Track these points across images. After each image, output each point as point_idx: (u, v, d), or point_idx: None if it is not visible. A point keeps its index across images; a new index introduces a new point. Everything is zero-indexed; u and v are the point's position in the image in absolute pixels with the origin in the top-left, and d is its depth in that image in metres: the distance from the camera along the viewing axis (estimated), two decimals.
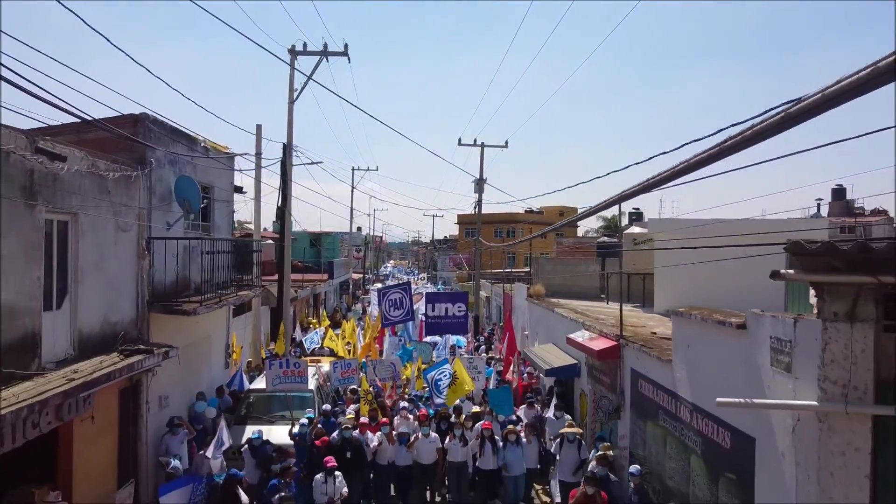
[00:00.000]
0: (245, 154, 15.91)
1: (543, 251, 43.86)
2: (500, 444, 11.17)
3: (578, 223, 58.88)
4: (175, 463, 9.59)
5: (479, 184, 29.72)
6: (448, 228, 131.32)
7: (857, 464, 5.19)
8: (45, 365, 7.66)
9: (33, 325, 7.43)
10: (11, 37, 6.60)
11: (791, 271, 4.84)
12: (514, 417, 12.35)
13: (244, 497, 8.81)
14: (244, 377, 15.90)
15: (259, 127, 18.70)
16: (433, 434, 11.47)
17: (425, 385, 15.16)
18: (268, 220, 38.96)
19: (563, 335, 13.47)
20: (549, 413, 12.81)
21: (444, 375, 14.68)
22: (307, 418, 11.92)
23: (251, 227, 28.16)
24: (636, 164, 7.09)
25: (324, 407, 13.01)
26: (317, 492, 9.74)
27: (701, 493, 7.48)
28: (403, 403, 13.70)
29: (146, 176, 10.23)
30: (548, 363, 14.03)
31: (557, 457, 11.09)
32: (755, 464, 6.25)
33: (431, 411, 13.21)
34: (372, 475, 11.44)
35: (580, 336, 12.01)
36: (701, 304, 8.97)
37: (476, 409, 12.87)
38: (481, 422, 11.69)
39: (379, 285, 39.31)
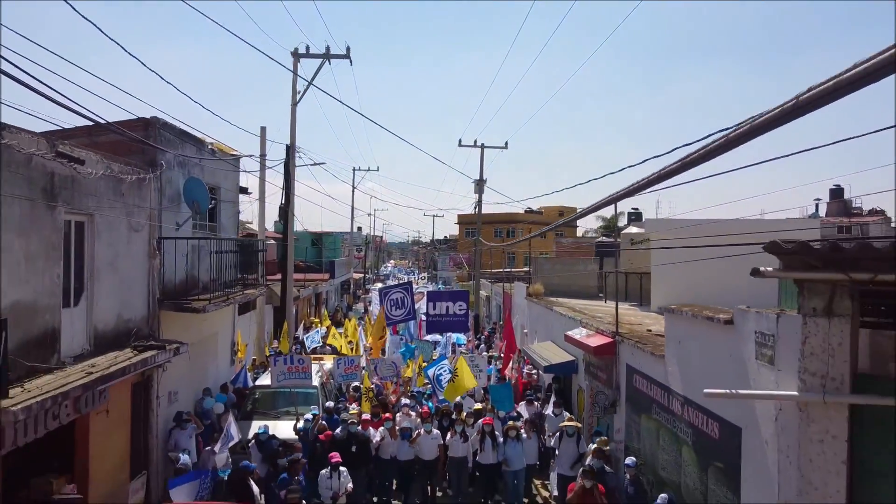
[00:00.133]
0: (250, 156, 16.22)
1: (543, 251, 44.19)
2: (501, 439, 11.43)
3: (578, 224, 59.31)
4: (184, 458, 9.89)
5: (479, 184, 30.06)
6: (448, 228, 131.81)
7: (834, 450, 5.53)
8: (64, 359, 8.00)
9: (53, 322, 7.77)
10: (24, 36, 6.91)
11: (770, 269, 5.18)
12: (514, 414, 12.67)
13: (255, 489, 9.12)
14: (248, 374, 16.24)
15: (263, 129, 19.04)
16: (435, 431, 11.72)
17: (427, 382, 15.49)
18: (269, 220, 39.40)
19: (562, 333, 13.81)
20: (549, 409, 13.14)
21: (444, 371, 15.01)
22: (311, 414, 12.24)
23: (252, 226, 28.54)
24: (630, 167, 7.40)
25: (327, 404, 13.32)
26: (322, 487, 9.93)
27: (691, 482, 7.83)
28: (405, 400, 14.05)
29: (157, 178, 10.57)
30: (546, 360, 14.38)
31: (557, 451, 11.39)
32: (741, 452, 6.59)
33: (433, 406, 13.54)
34: (374, 470, 11.74)
35: (577, 333, 12.35)
36: (696, 302, 9.29)
37: (478, 405, 13.22)
38: (483, 418, 12.00)
39: (379, 285, 39.69)
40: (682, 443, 8.06)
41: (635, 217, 45.08)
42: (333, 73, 70.68)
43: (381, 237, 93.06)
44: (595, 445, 10.21)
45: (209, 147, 13.55)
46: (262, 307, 19.66)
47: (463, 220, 68.19)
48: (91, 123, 8.07)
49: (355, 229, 54.50)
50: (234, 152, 15.29)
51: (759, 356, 6.21)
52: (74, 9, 7.11)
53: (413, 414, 12.78)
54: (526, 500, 11.72)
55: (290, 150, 20.39)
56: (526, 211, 59.88)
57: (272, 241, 25.47)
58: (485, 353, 20.61)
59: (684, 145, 5.43)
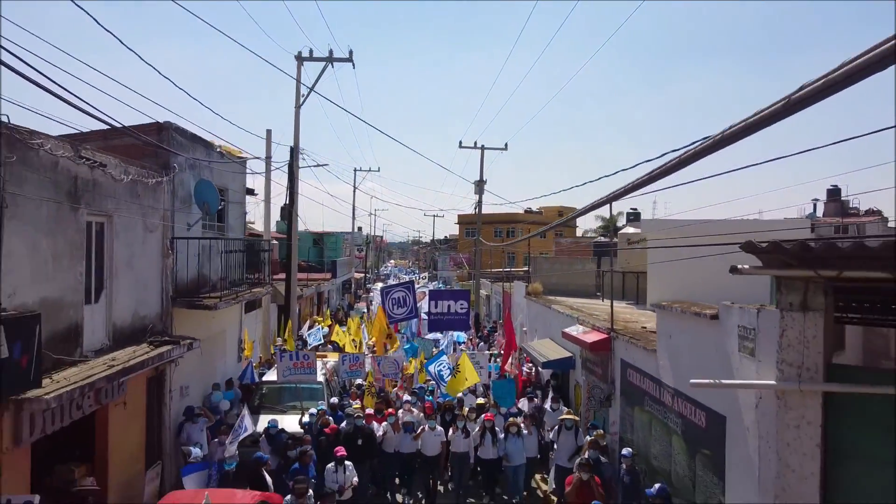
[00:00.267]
0: (257, 157, 16.64)
1: (543, 251, 44.61)
2: (501, 435, 11.77)
3: (577, 224, 59.73)
4: (196, 451, 10.30)
5: (479, 185, 30.49)
6: (448, 228, 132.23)
7: (809, 435, 5.95)
8: (86, 353, 8.43)
9: (76, 317, 8.20)
10: (39, 36, 7.28)
11: (747, 266, 5.61)
12: (515, 410, 13.08)
13: (268, 479, 9.55)
14: (254, 370, 16.66)
15: (269, 132, 19.53)
16: (439, 427, 12.06)
17: (428, 378, 15.91)
18: (272, 220, 39.74)
19: (560, 330, 14.24)
20: (547, 404, 13.56)
21: (444, 367, 15.43)
22: (317, 409, 12.65)
23: (254, 226, 28.98)
24: (623, 170, 7.86)
25: (332, 399, 13.74)
26: (328, 480, 10.23)
27: (681, 470, 8.26)
28: (407, 397, 14.47)
29: (170, 180, 11.00)
30: (545, 356, 14.82)
31: (555, 444, 11.79)
32: (726, 439, 7.02)
33: (434, 402, 13.95)
34: (378, 464, 12.11)
35: (574, 330, 12.78)
36: (692, 299, 9.66)
37: (480, 400, 13.65)
38: (485, 413, 12.39)
39: (380, 285, 40.08)
40: (673, 432, 8.49)
41: (634, 217, 45.46)
42: (336, 75, 71.13)
43: (382, 237, 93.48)
44: (591, 438, 10.62)
45: (218, 150, 13.99)
46: (267, 306, 20.09)
47: (463, 221, 68.63)
48: (106, 127, 8.53)
49: (356, 229, 54.92)
50: (242, 154, 15.72)
51: (742, 348, 6.64)
52: (87, 12, 7.46)
53: (415, 410, 13.19)
54: (525, 494, 12.11)
55: (294, 151, 20.81)
56: (526, 211, 60.36)
57: (275, 242, 25.91)
58: (486, 351, 21.05)
59: (672, 150, 5.89)
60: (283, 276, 21.41)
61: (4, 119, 6.46)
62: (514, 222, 64.15)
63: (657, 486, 8.32)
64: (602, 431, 11.01)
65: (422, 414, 12.96)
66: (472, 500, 12.04)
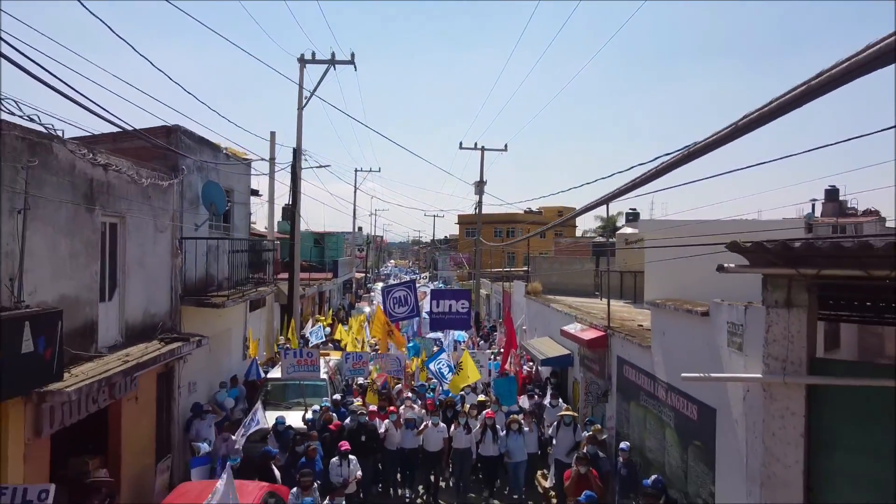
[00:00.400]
0: (262, 159, 16.96)
1: (543, 251, 44.95)
2: (502, 432, 12.00)
3: (577, 224, 60.06)
4: (204, 447, 10.61)
5: (480, 186, 30.81)
6: (448, 228, 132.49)
7: (793, 425, 6.26)
8: (101, 349, 8.75)
9: (92, 315, 8.52)
10: (49, 38, 7.60)
11: (732, 265, 5.93)
12: (516, 407, 13.35)
13: (277, 472, 9.87)
14: (259, 368, 16.98)
15: (273, 134, 19.84)
16: (441, 424, 12.30)
17: (430, 377, 16.23)
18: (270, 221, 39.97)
19: (559, 328, 14.55)
20: (547, 401, 13.86)
21: (443, 364, 15.73)
22: (320, 406, 12.95)
23: (255, 227, 29.29)
24: (619, 172, 8.18)
25: (334, 396, 14.04)
26: (332, 473, 10.49)
27: (674, 461, 8.57)
28: (408, 394, 14.78)
29: (179, 182, 11.31)
30: (544, 354, 15.14)
31: (554, 439, 12.08)
32: (716, 431, 7.33)
33: (436, 399, 14.27)
34: (381, 459, 12.39)
35: (572, 328, 13.10)
36: (688, 298, 9.94)
37: (481, 398, 13.95)
38: (486, 410, 12.67)
39: (381, 284, 40.40)
40: (666, 426, 8.80)
41: (633, 217, 45.81)
42: (338, 77, 71.49)
43: (382, 237, 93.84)
44: (589, 433, 10.92)
45: (224, 151, 14.31)
46: (271, 304, 20.41)
47: (463, 221, 68.96)
48: (116, 130, 8.84)
49: (356, 229, 55.24)
50: (247, 156, 16.05)
51: (731, 343, 6.95)
52: (102, 20, 7.74)
53: (416, 406, 13.48)
54: (526, 489, 12.35)
55: (297, 153, 21.13)
56: (525, 211, 60.69)
57: (277, 242, 26.22)
58: (487, 350, 21.37)
59: (665, 154, 6.21)
60: (285, 275, 21.72)
61: (39, 122, 6.70)
62: (514, 222, 64.48)
63: (653, 477, 8.62)
64: (599, 426, 11.31)
65: (423, 411, 13.24)
66: (473, 496, 12.27)
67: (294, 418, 12.75)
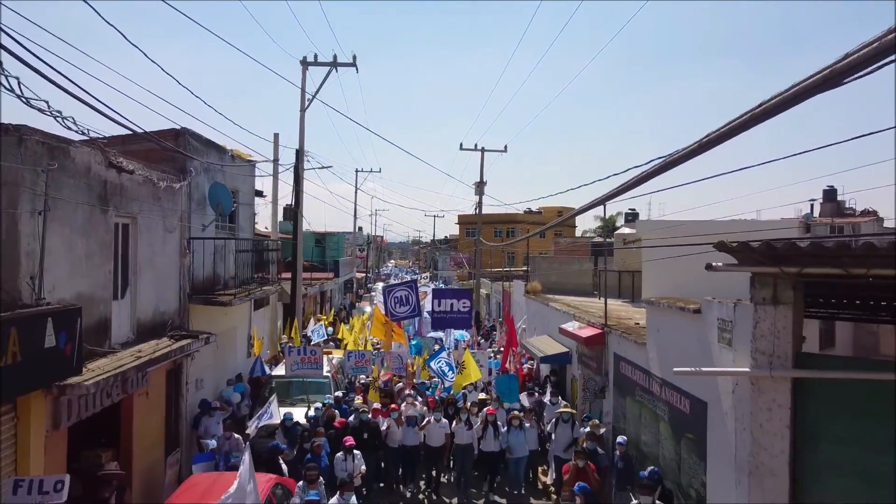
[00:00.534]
0: (266, 160, 17.27)
1: (542, 251, 45.27)
2: (503, 428, 12.25)
3: (576, 224, 60.38)
4: (212, 444, 10.90)
5: (480, 186, 31.11)
6: (449, 228, 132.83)
7: (780, 417, 6.56)
8: (114, 346, 9.05)
9: (106, 312, 8.82)
10: (60, 38, 7.83)
11: (720, 264, 6.23)
12: (518, 405, 13.63)
13: (284, 467, 10.17)
14: (264, 365, 17.27)
15: (276, 136, 20.13)
16: (444, 420, 12.54)
17: (431, 375, 16.53)
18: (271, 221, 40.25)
19: (557, 327, 14.86)
20: (547, 398, 14.14)
21: (443, 363, 16.02)
22: (322, 403, 13.22)
23: (258, 227, 29.61)
24: (615, 174, 8.49)
25: (336, 394, 14.31)
26: (337, 468, 10.74)
27: (668, 454, 8.88)
28: (409, 391, 15.06)
29: (187, 183, 11.62)
30: (543, 352, 15.45)
31: (553, 435, 12.36)
32: (707, 423, 7.63)
33: (437, 396, 14.56)
34: (383, 455, 12.61)
35: (571, 326, 13.40)
36: (684, 296, 10.20)
37: (482, 395, 14.23)
38: (487, 407, 12.95)
39: (381, 284, 40.67)
40: (660, 419, 9.11)
41: (632, 217, 46.15)
42: (340, 79, 71.81)
43: (382, 237, 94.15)
44: (588, 429, 11.16)
45: (230, 153, 14.61)
46: (275, 304, 20.70)
47: (463, 221, 69.28)
48: (126, 132, 9.10)
49: (356, 229, 55.54)
50: (251, 158, 16.35)
51: (721, 339, 7.25)
52: (116, 28, 7.99)
53: (418, 404, 13.76)
54: (526, 485, 12.59)
55: (300, 154, 21.42)
56: (525, 212, 61.02)
57: (278, 242, 26.51)
58: (487, 350, 21.65)
59: (657, 158, 6.52)
60: (287, 275, 22.01)
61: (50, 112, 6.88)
62: (514, 222, 64.82)
63: (649, 468, 8.92)
64: (597, 421, 11.60)
65: (425, 408, 13.51)
66: (474, 491, 12.53)
67: (298, 415, 13.02)
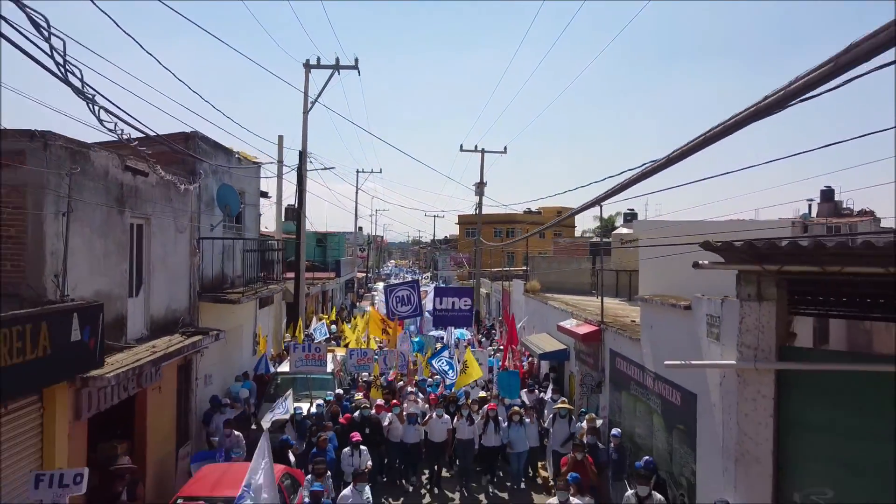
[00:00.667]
0: (270, 162, 17.66)
1: (542, 250, 45.66)
2: (504, 424, 12.55)
3: (576, 224, 60.78)
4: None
5: (480, 187, 31.51)
6: (449, 228, 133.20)
7: (764, 407, 6.94)
8: (129, 341, 9.43)
9: (122, 309, 9.21)
10: (75, 40, 8.14)
11: (706, 262, 6.62)
12: (518, 401, 13.97)
13: (293, 458, 10.55)
14: (269, 362, 17.64)
15: (281, 137, 20.56)
16: (446, 416, 12.84)
17: (433, 373, 16.90)
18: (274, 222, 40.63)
19: (556, 324, 15.24)
20: (547, 395, 14.49)
21: (444, 362, 16.39)
22: (324, 399, 13.57)
23: (261, 227, 30.02)
24: (610, 176, 8.86)
25: (338, 391, 14.65)
26: (344, 463, 11.06)
27: (660, 444, 9.27)
28: (411, 388, 15.41)
29: (197, 185, 12.00)
30: (541, 349, 15.83)
31: (551, 430, 12.71)
32: (697, 414, 8.02)
33: (439, 395, 14.89)
34: (385, 451, 12.87)
35: (569, 323, 13.79)
36: (680, 294, 10.53)
37: (483, 393, 14.59)
38: (487, 404, 13.30)
39: (381, 284, 41.06)
40: (654, 412, 9.50)
41: (631, 217, 46.55)
42: (342, 81, 72.13)
43: (382, 237, 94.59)
44: (586, 424, 11.47)
45: (236, 155, 15.00)
46: (279, 302, 21.09)
47: (463, 221, 69.65)
48: (138, 135, 9.46)
49: (357, 229, 55.92)
50: (257, 160, 16.73)
51: (709, 334, 7.64)
52: (132, 37, 8.32)
53: (420, 401, 14.09)
54: (527, 479, 12.91)
55: (302, 156, 21.82)
56: (525, 212, 61.43)
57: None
58: (489, 348, 22.02)
59: (650, 162, 6.90)
60: (290, 275, 22.40)
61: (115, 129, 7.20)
62: (514, 222, 65.20)
63: (645, 458, 9.29)
64: (593, 415, 11.95)
65: (427, 405, 13.86)
66: (475, 485, 12.85)
67: (302, 410, 13.38)
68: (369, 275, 67.08)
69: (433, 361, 16.80)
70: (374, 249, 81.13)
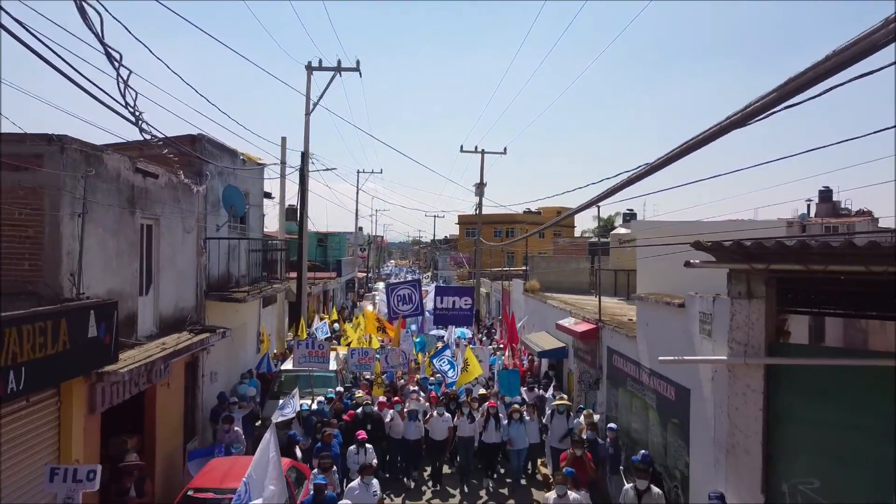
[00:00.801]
0: (274, 163, 17.93)
1: (542, 250, 45.94)
2: (504, 421, 12.74)
3: (575, 225, 61.09)
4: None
5: (480, 188, 31.79)
6: (449, 228, 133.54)
7: (753, 400, 7.22)
8: (139, 338, 9.71)
9: (133, 307, 9.48)
10: (80, 39, 8.43)
11: (697, 261, 6.90)
12: (518, 399, 14.21)
13: (299, 453, 10.83)
14: (271, 361, 17.92)
15: (284, 139, 20.82)
16: (447, 414, 13.06)
17: (435, 371, 17.16)
18: (276, 222, 40.85)
19: (554, 323, 15.52)
20: (549, 393, 14.73)
21: (445, 362, 16.65)
22: (325, 397, 13.82)
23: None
24: (607, 178, 9.13)
25: (338, 388, 14.90)
26: (350, 461, 11.25)
27: (655, 438, 9.55)
28: (413, 387, 15.66)
29: (204, 186, 12.29)
30: (541, 347, 16.11)
31: (549, 426, 12.96)
32: (690, 408, 8.30)
33: (440, 394, 15.14)
34: (386, 447, 13.08)
35: (567, 322, 14.07)
36: (677, 294, 10.80)
37: (483, 391, 14.84)
38: (488, 401, 13.54)
39: (381, 284, 41.36)
40: (649, 407, 9.78)
41: (630, 217, 46.85)
42: (343, 82, 72.33)
43: (382, 237, 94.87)
44: (584, 420, 11.70)
45: (241, 157, 15.28)
46: (282, 301, 21.37)
47: (463, 221, 69.94)
48: (142, 137, 9.71)
49: (357, 229, 56.19)
50: (261, 161, 17.02)
51: (702, 331, 7.92)
52: (145, 44, 8.59)
53: (421, 398, 14.34)
54: (527, 475, 13.18)
55: (305, 157, 22.09)
56: (525, 212, 61.72)
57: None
58: (490, 346, 22.27)
59: (644, 164, 7.18)
60: (292, 274, 22.68)
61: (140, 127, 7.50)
62: (514, 223, 65.48)
63: (642, 452, 9.55)
64: (591, 411, 12.22)
65: (427, 403, 14.11)
66: (476, 482, 13.07)
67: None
68: (370, 275, 67.34)
69: (434, 361, 17.06)
70: (375, 249, 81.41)
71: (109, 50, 5.71)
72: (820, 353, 6.86)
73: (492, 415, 12.79)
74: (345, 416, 12.83)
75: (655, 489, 8.53)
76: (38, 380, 6.18)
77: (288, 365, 16.23)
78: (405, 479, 13.11)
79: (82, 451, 7.72)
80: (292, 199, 25.08)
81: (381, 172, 67.48)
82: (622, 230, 22.00)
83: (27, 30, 5.17)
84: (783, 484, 6.97)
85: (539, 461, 13.66)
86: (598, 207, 12.63)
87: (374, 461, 11.37)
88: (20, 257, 7.45)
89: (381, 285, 45.30)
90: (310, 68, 22.32)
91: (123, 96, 6.19)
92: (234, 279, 14.67)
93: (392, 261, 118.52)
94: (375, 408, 13.10)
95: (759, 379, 7.20)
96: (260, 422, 12.65)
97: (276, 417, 11.59)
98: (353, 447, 11.42)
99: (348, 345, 21.01)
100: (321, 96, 21.74)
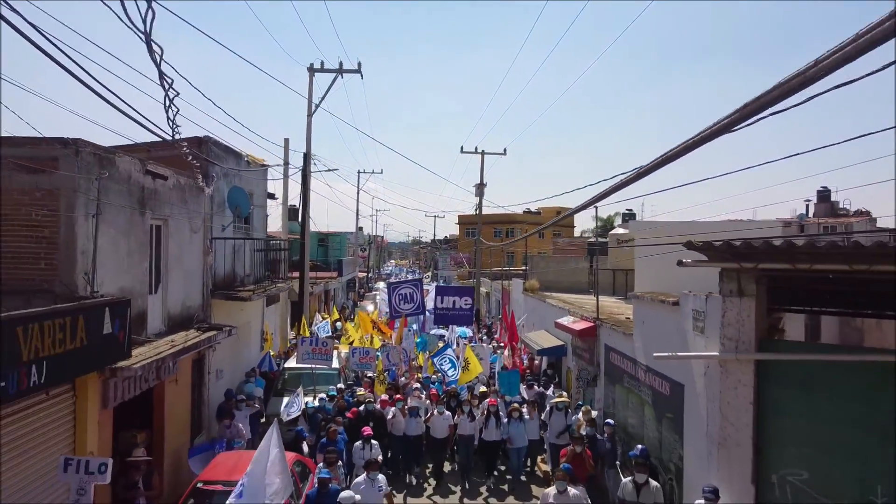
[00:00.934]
0: (277, 164, 18.19)
1: (541, 250, 46.20)
2: (505, 419, 12.94)
3: (574, 225, 61.37)
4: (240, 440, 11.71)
5: (480, 188, 32.06)
6: (449, 228, 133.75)
7: (744, 394, 7.49)
8: (149, 336, 9.98)
9: (143, 305, 9.75)
10: (92, 42, 8.71)
11: (689, 260, 7.17)
12: (518, 397, 14.45)
13: (306, 449, 11.09)
14: (272, 360, 18.15)
15: (287, 140, 21.03)
16: (447, 412, 13.23)
17: (436, 369, 17.39)
18: (279, 221, 41.10)
19: (554, 321, 15.79)
20: (550, 391, 14.97)
21: (445, 361, 16.89)
22: (326, 394, 14.07)
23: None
24: (603, 180, 9.44)
25: (338, 385, 15.13)
26: (356, 456, 11.42)
27: (651, 433, 9.82)
28: (415, 385, 15.91)
29: (210, 188, 12.55)
30: (540, 345, 16.38)
31: (548, 423, 13.19)
32: (684, 403, 8.57)
33: (441, 392, 15.38)
34: (388, 444, 13.31)
35: (565, 320, 14.34)
36: (674, 292, 11.03)
37: (483, 388, 15.08)
38: (488, 399, 13.77)
39: (382, 284, 41.62)
40: (645, 403, 10.05)
41: (629, 217, 47.10)
42: (345, 83, 72.61)
43: (382, 237, 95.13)
44: (583, 416, 11.93)
45: (245, 158, 15.55)
46: (284, 301, 21.64)
47: (464, 221, 70.21)
48: (148, 138, 9.97)
49: (357, 229, 56.45)
50: (265, 162, 17.28)
51: (695, 328, 8.19)
52: (149, 48, 8.84)
53: (422, 396, 14.57)
54: (527, 472, 13.40)
55: (307, 158, 22.34)
56: (525, 212, 62.02)
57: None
58: (490, 345, 22.50)
59: (638, 168, 7.44)
60: (295, 274, 22.94)
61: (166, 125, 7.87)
62: (514, 223, 65.75)
63: (639, 447, 9.81)
64: (588, 408, 12.46)
65: (428, 401, 14.34)
66: (476, 479, 13.25)
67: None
68: (370, 274, 67.62)
69: (435, 360, 17.29)
70: (375, 249, 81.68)
71: (163, 73, 6.03)
72: (808, 349, 7.12)
73: (492, 413, 12.96)
74: (348, 414, 13.07)
75: (653, 482, 8.77)
76: (58, 374, 6.45)
77: (291, 362, 16.48)
78: (406, 476, 13.35)
79: (96, 445, 7.98)
80: (294, 199, 25.34)
81: (382, 172, 67.63)
82: (620, 230, 22.26)
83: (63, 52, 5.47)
84: (772, 475, 7.24)
85: (539, 458, 13.88)
86: (597, 208, 12.92)
87: (380, 458, 11.57)
88: (37, 257, 7.72)
89: (381, 285, 45.60)
90: (312, 70, 22.54)
91: (167, 112, 6.52)
92: (239, 278, 14.94)
93: (392, 261, 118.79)
94: (378, 405, 13.34)
95: (749, 374, 7.47)
96: (264, 419, 12.90)
97: (285, 416, 11.84)
98: (358, 443, 11.60)
99: (350, 343, 21.31)
100: (323, 98, 21.98)
